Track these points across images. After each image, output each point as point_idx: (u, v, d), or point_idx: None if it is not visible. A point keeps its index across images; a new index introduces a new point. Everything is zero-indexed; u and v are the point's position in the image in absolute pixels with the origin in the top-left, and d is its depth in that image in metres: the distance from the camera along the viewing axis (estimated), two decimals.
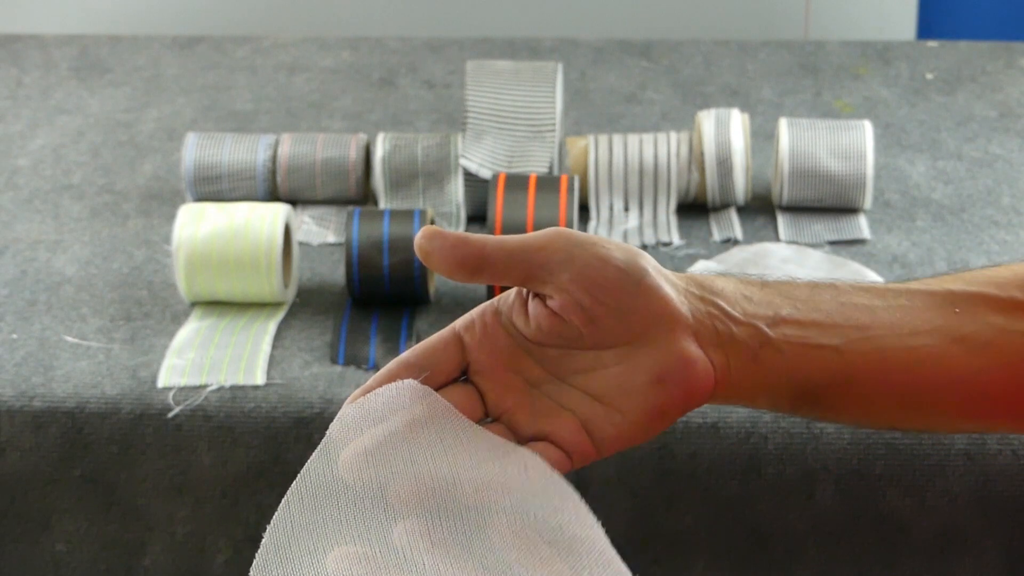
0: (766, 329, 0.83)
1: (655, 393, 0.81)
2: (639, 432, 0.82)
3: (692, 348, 0.81)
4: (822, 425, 1.30)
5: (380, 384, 0.81)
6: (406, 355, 0.82)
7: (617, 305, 0.81)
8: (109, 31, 2.20)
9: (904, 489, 1.30)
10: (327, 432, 0.80)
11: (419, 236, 0.81)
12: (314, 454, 0.79)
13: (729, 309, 0.83)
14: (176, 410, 1.32)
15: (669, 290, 0.82)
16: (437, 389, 0.81)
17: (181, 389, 1.33)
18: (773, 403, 0.86)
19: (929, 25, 2.47)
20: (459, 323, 0.83)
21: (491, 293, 1.39)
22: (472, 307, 0.84)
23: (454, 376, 0.82)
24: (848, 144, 1.59)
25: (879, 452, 1.30)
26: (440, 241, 0.81)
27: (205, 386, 1.34)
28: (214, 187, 1.61)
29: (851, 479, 1.30)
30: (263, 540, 0.77)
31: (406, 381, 0.80)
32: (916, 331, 0.84)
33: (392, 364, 0.82)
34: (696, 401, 0.82)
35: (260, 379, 1.35)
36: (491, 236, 0.82)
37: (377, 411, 0.80)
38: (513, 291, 0.83)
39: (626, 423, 0.81)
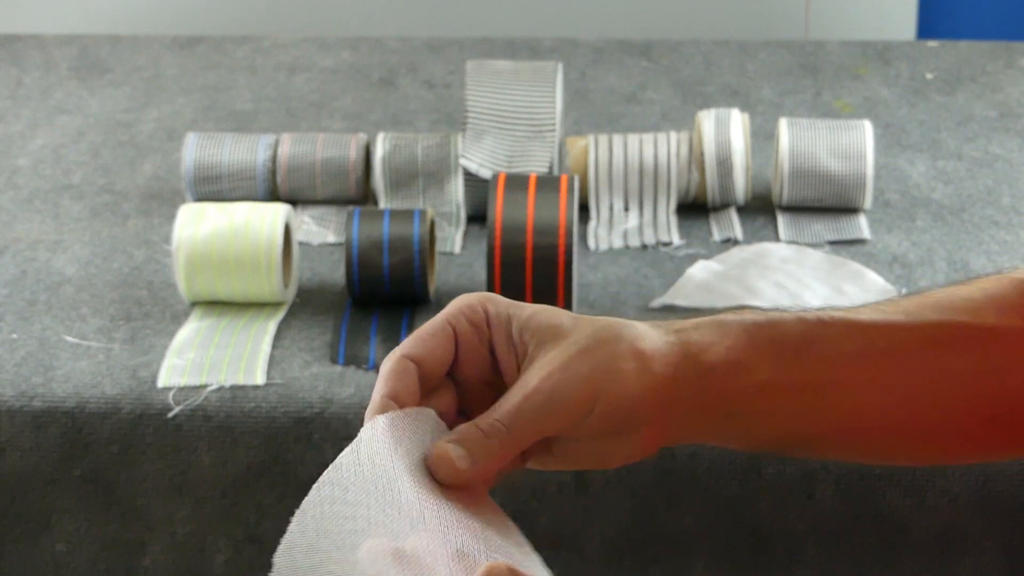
0: (744, 402, 0.83)
1: (603, 455, 0.83)
2: (570, 467, 0.85)
3: (655, 436, 0.83)
4: None
5: (389, 380, 0.81)
6: (410, 351, 0.82)
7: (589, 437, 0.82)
8: (109, 31, 2.20)
9: (904, 489, 1.30)
10: (359, 434, 0.81)
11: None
12: (347, 448, 0.80)
13: (713, 394, 0.82)
14: (176, 410, 1.32)
15: (642, 415, 0.82)
16: (431, 391, 0.82)
17: (181, 389, 1.33)
18: (730, 447, 0.88)
19: (929, 25, 2.47)
20: (456, 322, 0.83)
21: (491, 288, 1.39)
22: None
23: (447, 370, 0.83)
24: (848, 144, 1.59)
25: None
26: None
27: (205, 386, 1.34)
28: (214, 187, 1.61)
29: (851, 479, 1.30)
30: (291, 524, 0.78)
31: (428, 412, 0.82)
32: (891, 384, 0.84)
33: (398, 361, 0.82)
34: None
35: (260, 379, 1.34)
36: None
37: (404, 432, 0.80)
38: (506, 324, 0.83)
39: (563, 461, 0.84)
